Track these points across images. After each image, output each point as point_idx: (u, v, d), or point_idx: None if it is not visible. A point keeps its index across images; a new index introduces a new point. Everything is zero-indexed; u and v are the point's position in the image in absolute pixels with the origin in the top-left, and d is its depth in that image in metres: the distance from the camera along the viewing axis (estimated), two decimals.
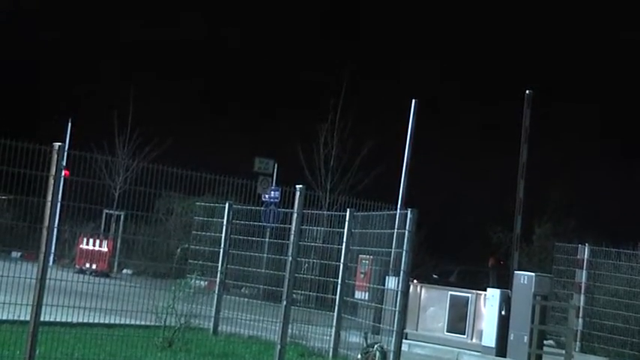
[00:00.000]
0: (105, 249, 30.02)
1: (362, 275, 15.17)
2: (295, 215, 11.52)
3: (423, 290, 19.30)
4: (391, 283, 13.61)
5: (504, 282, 20.63)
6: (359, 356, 12.89)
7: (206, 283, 15.34)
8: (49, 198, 9.36)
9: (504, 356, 17.01)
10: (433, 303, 18.92)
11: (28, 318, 9.37)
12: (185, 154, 27.07)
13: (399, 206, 17.34)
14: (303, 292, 14.52)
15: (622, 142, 36.94)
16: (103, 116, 37.32)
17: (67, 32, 45.41)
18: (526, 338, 16.74)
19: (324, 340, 14.24)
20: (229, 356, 12.84)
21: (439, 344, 18.11)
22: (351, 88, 32.66)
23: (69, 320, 10.86)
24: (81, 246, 30.44)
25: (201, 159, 20.43)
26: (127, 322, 13.41)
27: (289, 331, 11.89)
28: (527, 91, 20.05)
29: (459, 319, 18.28)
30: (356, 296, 14.77)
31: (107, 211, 31.44)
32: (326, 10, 44.97)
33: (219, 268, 15.61)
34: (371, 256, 14.61)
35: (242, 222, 15.93)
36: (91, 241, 30.39)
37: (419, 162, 21.42)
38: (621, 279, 19.53)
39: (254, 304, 15.97)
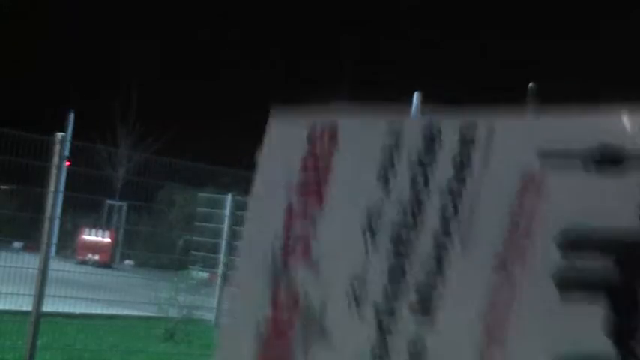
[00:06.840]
0: (107, 240, 29.98)
1: None
2: None
3: None
4: None
5: None
6: None
7: (208, 274, 15.33)
8: (52, 188, 9.35)
9: None
10: None
11: (30, 308, 9.37)
12: (188, 146, 27.05)
13: None
14: None
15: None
16: (106, 107, 37.35)
17: (69, 22, 45.43)
18: None
19: None
20: None
21: None
22: (352, 83, 32.65)
23: (71, 311, 10.87)
24: (83, 237, 30.40)
25: (203, 151, 20.41)
26: (129, 313, 13.41)
27: None
28: (530, 84, 19.99)
29: None
30: None
31: (109, 202, 31.39)
32: (326, 7, 44.93)
33: (222, 260, 15.61)
34: None
35: (244, 213, 15.89)
36: (93, 231, 30.36)
37: None
38: None
39: None
